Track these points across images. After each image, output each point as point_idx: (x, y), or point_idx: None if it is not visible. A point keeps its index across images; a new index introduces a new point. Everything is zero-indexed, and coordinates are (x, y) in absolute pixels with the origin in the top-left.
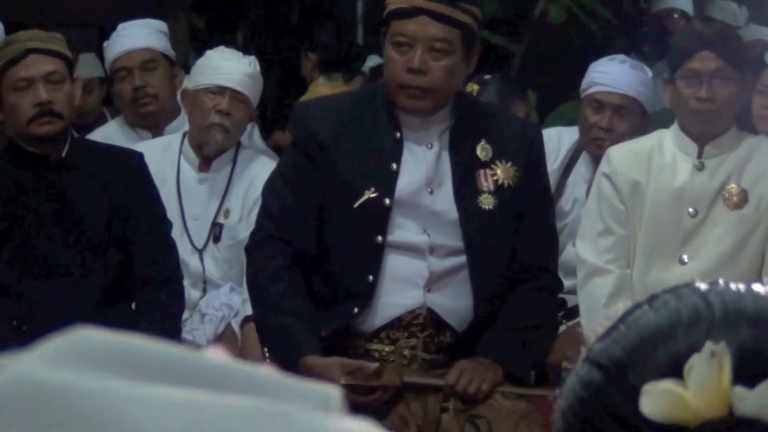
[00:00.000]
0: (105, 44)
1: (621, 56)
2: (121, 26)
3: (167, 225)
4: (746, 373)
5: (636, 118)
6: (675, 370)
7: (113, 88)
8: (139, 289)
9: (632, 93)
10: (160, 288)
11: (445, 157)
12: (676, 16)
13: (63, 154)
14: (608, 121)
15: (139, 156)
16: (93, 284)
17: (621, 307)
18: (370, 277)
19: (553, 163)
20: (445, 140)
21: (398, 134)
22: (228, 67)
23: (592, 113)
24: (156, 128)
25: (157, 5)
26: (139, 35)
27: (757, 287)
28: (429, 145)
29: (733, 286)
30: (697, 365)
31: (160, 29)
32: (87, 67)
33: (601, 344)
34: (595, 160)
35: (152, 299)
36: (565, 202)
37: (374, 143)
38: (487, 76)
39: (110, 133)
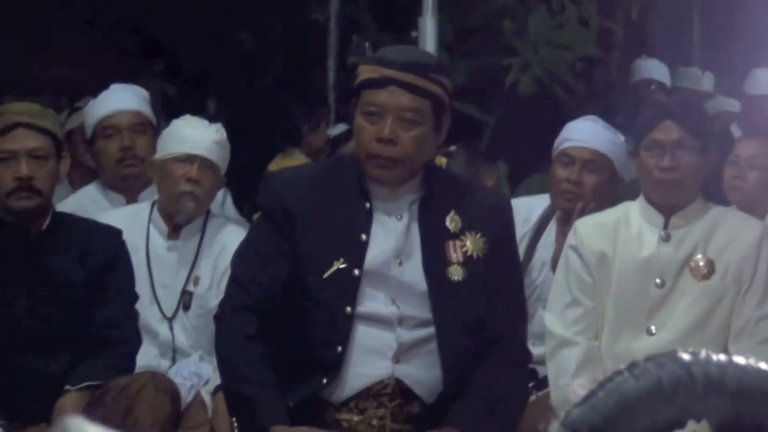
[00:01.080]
0: (91, 102)
1: (594, 117)
2: (113, 87)
3: (134, 312)
4: None
5: (605, 174)
6: None
7: (95, 146)
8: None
9: (602, 149)
10: (112, 346)
11: (415, 228)
12: (653, 87)
13: (43, 227)
14: (577, 174)
15: (118, 234)
16: (61, 354)
17: (590, 378)
18: (339, 348)
19: (523, 228)
20: (414, 211)
21: (368, 205)
22: (196, 135)
23: (562, 168)
24: (131, 192)
25: (129, 73)
26: (130, 97)
27: (738, 359)
28: (399, 216)
29: (715, 357)
30: None
31: (145, 96)
32: None
33: (578, 410)
34: (564, 219)
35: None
36: (534, 266)
37: (344, 214)
38: (453, 147)
39: (82, 199)
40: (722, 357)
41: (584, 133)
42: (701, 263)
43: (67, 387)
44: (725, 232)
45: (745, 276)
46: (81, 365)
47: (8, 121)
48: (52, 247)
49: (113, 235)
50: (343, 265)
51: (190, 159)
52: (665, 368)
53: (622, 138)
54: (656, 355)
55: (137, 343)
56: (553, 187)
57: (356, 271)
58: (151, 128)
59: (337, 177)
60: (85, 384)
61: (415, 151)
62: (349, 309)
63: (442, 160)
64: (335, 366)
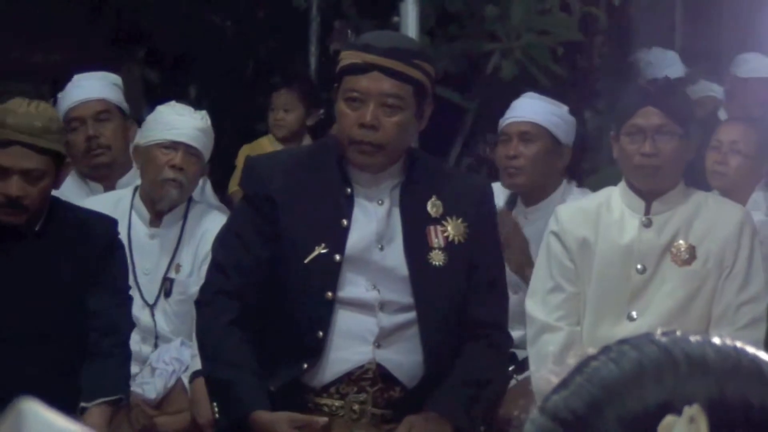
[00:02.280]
0: (59, 95)
1: (531, 93)
2: (76, 77)
3: (128, 300)
4: (717, 429)
5: (545, 143)
6: (645, 426)
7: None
8: (87, 359)
9: (537, 120)
10: (106, 357)
11: (396, 213)
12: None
13: (36, 228)
14: (514, 148)
15: (113, 223)
16: (48, 353)
17: (572, 362)
18: (320, 333)
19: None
20: (395, 196)
21: (349, 190)
22: (180, 122)
23: (501, 146)
24: (108, 181)
25: (110, 58)
26: (93, 86)
27: (714, 339)
28: (380, 201)
29: (692, 338)
30: (677, 430)
31: (114, 82)
32: None
33: (557, 396)
34: (519, 194)
35: (98, 367)
36: None
37: (325, 199)
38: None
39: (64, 189)
40: (698, 337)
41: (519, 108)
42: (682, 249)
43: (82, 404)
44: (707, 217)
45: (726, 261)
46: (90, 376)
47: (6, 136)
48: (45, 246)
49: (108, 224)
50: (324, 250)
51: (174, 146)
52: (643, 350)
53: (565, 109)
54: (629, 338)
55: (129, 330)
56: (499, 168)
57: (337, 256)
58: (120, 114)
59: (319, 162)
60: (101, 400)
61: (396, 136)
62: (330, 294)
63: None
64: (316, 351)
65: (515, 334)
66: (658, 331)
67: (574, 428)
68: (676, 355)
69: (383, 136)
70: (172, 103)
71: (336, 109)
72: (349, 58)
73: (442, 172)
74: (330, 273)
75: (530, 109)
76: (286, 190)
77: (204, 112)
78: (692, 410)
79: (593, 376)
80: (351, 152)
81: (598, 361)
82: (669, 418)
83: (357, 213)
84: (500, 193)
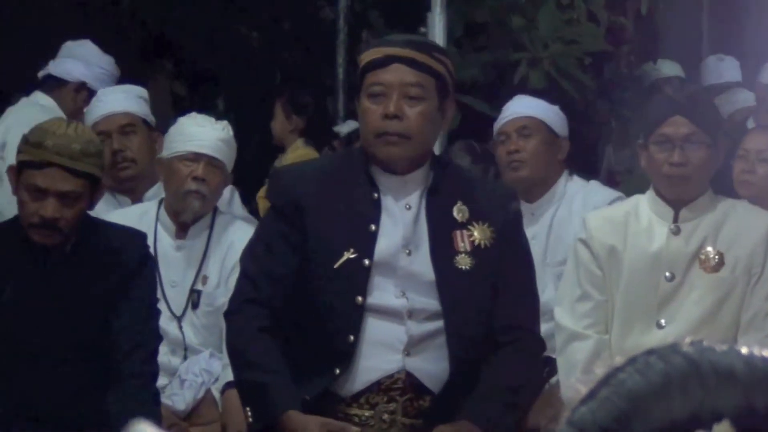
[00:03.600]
0: (85, 110)
1: (521, 94)
2: (100, 91)
3: (155, 313)
4: None
5: (543, 136)
6: None
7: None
8: (114, 379)
9: (531, 113)
10: (134, 377)
11: (423, 217)
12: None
13: (67, 249)
14: (514, 143)
15: (143, 238)
16: (79, 372)
17: (600, 372)
18: (351, 337)
19: None
20: (422, 201)
21: (376, 195)
22: (202, 134)
23: (501, 146)
24: (134, 194)
25: (138, 72)
26: (118, 100)
27: (741, 348)
28: (407, 206)
29: (717, 348)
30: None
31: (139, 95)
32: None
33: (584, 408)
34: (520, 190)
35: (126, 391)
36: None
37: (352, 204)
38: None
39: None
40: (724, 347)
41: (512, 106)
42: (711, 256)
43: None
44: (734, 224)
45: (755, 268)
46: (117, 400)
47: (44, 157)
48: (77, 266)
49: (138, 240)
50: (353, 255)
51: (196, 157)
52: (670, 361)
53: (556, 105)
54: (656, 348)
55: (156, 344)
56: (501, 167)
57: (366, 261)
58: (145, 126)
59: (345, 169)
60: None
61: (421, 127)
62: (360, 299)
63: None
64: (348, 355)
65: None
66: (686, 341)
67: None
68: (703, 366)
69: (408, 125)
70: (193, 114)
71: (359, 111)
72: (369, 55)
73: (468, 179)
74: (359, 278)
75: (524, 105)
76: (313, 197)
77: (225, 122)
78: (722, 428)
79: (620, 387)
80: (377, 146)
81: (625, 373)
82: None
83: (384, 218)
84: None
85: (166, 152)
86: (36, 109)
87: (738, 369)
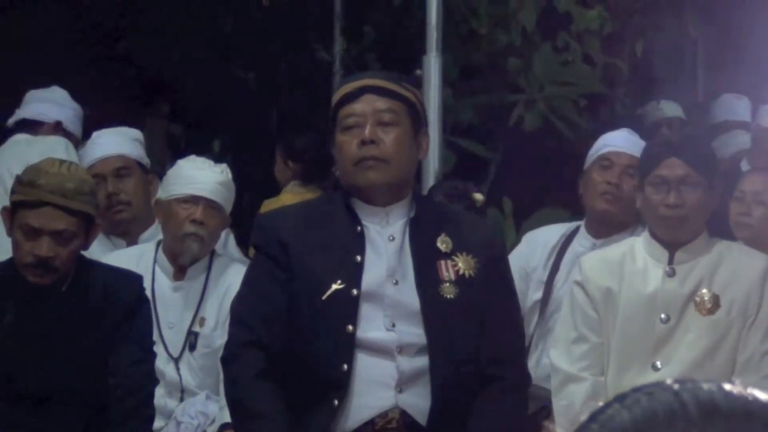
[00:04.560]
0: (80, 153)
1: (629, 129)
2: (95, 134)
3: (151, 356)
4: None
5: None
6: None
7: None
8: (110, 421)
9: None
10: (129, 420)
11: (407, 248)
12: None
13: (63, 289)
14: (618, 177)
15: (139, 280)
16: (72, 414)
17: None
18: (345, 366)
19: (545, 250)
20: (405, 232)
21: (359, 228)
22: (200, 177)
23: (601, 171)
24: (129, 236)
25: (134, 113)
26: (112, 143)
27: (727, 386)
28: (391, 237)
29: (704, 385)
30: None
31: (134, 137)
32: None
33: None
34: (602, 218)
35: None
36: (558, 280)
37: (336, 238)
38: (478, 197)
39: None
40: (710, 384)
41: (622, 140)
42: (706, 298)
43: None
44: (730, 266)
45: (750, 310)
46: None
47: (38, 197)
48: (72, 307)
49: (134, 282)
50: (340, 286)
51: (194, 200)
52: (656, 397)
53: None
54: (644, 385)
55: (152, 387)
56: (590, 190)
57: (354, 291)
58: (140, 169)
59: (327, 208)
60: None
61: (397, 150)
62: (350, 328)
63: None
64: (344, 385)
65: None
66: (671, 379)
67: None
68: (686, 400)
69: (384, 150)
70: (192, 157)
71: (335, 148)
72: (341, 91)
73: (450, 212)
74: (348, 307)
75: (633, 144)
76: (297, 235)
77: (224, 165)
78: None
79: (607, 423)
80: (357, 174)
81: (612, 409)
82: None
83: (369, 249)
84: (554, 232)
85: (164, 194)
86: (23, 145)
87: (720, 403)
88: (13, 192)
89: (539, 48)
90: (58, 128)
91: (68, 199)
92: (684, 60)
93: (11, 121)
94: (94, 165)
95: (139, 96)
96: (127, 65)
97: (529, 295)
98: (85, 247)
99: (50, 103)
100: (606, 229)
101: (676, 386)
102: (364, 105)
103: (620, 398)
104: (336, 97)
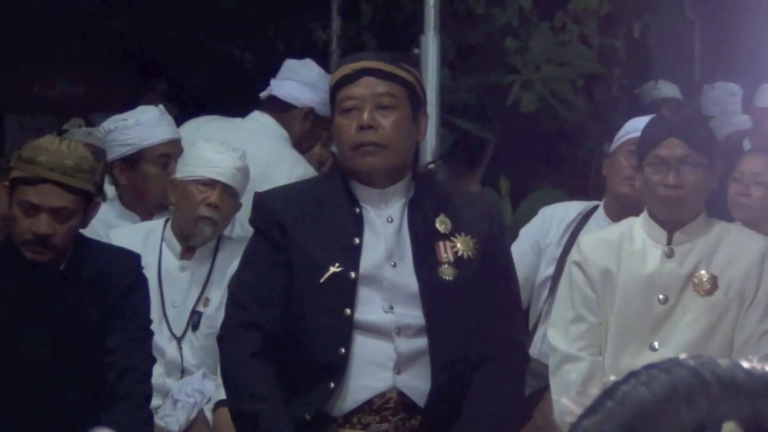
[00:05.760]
0: (132, 120)
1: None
2: (160, 110)
3: (149, 335)
4: None
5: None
6: None
7: (140, 169)
8: (107, 402)
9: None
10: (126, 399)
11: (405, 230)
12: (673, 104)
13: (61, 267)
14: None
15: (137, 259)
16: (70, 393)
17: (595, 391)
18: (342, 350)
19: (560, 227)
20: (404, 213)
21: (357, 210)
22: (219, 161)
23: (628, 155)
24: (151, 216)
25: (131, 92)
26: (173, 127)
27: (745, 363)
28: (389, 219)
29: (720, 361)
30: None
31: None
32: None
33: (588, 421)
34: (623, 202)
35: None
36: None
37: (335, 220)
38: (431, 165)
39: (109, 214)
40: (727, 360)
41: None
42: (704, 279)
43: None
44: (728, 247)
45: (748, 291)
46: (110, 422)
47: (37, 173)
48: (70, 286)
49: (132, 261)
50: (338, 269)
51: (211, 184)
52: (673, 374)
53: None
54: (658, 362)
55: (149, 366)
56: (615, 173)
57: (352, 274)
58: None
59: (325, 188)
60: None
61: (396, 135)
62: (348, 311)
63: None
64: (341, 369)
65: None
66: (684, 356)
67: None
68: (706, 377)
69: (383, 135)
70: (212, 140)
71: (333, 129)
72: (340, 72)
73: (449, 192)
74: (346, 291)
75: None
76: (296, 216)
77: (243, 151)
78: (730, 426)
79: (624, 399)
80: (355, 158)
81: (628, 385)
82: None
83: (367, 231)
84: (570, 209)
85: (180, 174)
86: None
87: (741, 379)
88: (12, 169)
89: (536, 28)
90: (308, 117)
91: (67, 176)
92: (681, 41)
93: (264, 94)
94: (166, 144)
95: (135, 75)
96: (124, 44)
97: (541, 269)
98: (84, 225)
99: (305, 85)
100: (626, 212)
101: (692, 362)
102: (362, 88)
103: (634, 375)
104: (334, 78)
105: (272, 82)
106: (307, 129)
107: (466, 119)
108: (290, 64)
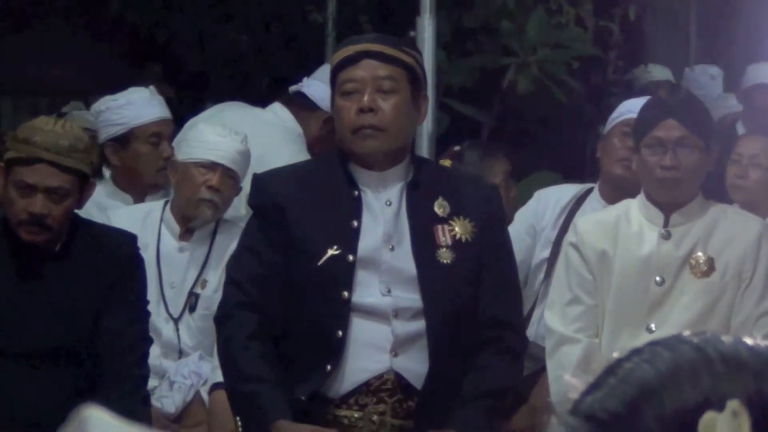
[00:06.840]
0: (123, 100)
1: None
2: (150, 91)
3: (145, 316)
4: (758, 428)
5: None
6: (685, 424)
7: (131, 149)
8: (104, 383)
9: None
10: (123, 381)
11: (404, 213)
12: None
13: (57, 248)
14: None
15: (132, 239)
16: (66, 374)
17: (597, 368)
18: (340, 333)
19: (555, 209)
20: (403, 196)
21: (356, 192)
22: (221, 144)
23: (622, 137)
24: (143, 196)
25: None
26: (164, 106)
27: (748, 340)
28: (388, 202)
29: (723, 337)
30: (720, 425)
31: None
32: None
33: (591, 398)
34: (617, 183)
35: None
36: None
37: (333, 202)
38: (457, 147)
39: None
40: (730, 337)
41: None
42: (701, 261)
43: None
44: (725, 229)
45: (745, 273)
46: (107, 405)
47: (32, 153)
48: (66, 266)
49: (128, 241)
50: (336, 252)
51: (212, 166)
52: (677, 350)
53: None
54: (661, 339)
55: (145, 347)
56: (609, 155)
57: (350, 257)
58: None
59: (324, 169)
60: None
61: (396, 118)
62: (345, 294)
63: (446, 163)
64: (338, 351)
65: None
66: (687, 332)
67: (611, 427)
68: (710, 353)
69: (383, 118)
70: (214, 123)
71: (333, 111)
72: (341, 54)
73: (448, 175)
74: (344, 273)
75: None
76: (294, 198)
77: (244, 135)
78: (734, 404)
79: (628, 376)
80: (354, 141)
81: (631, 362)
82: (710, 414)
83: (365, 214)
84: (565, 191)
85: (181, 156)
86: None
87: (744, 356)
88: (7, 149)
89: (532, 10)
90: (328, 123)
91: (63, 156)
92: (676, 24)
93: (293, 89)
94: (156, 122)
95: (131, 57)
96: (120, 26)
97: (537, 252)
98: (80, 206)
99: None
100: (620, 194)
101: (695, 339)
102: (363, 71)
103: (637, 352)
104: (335, 59)
105: (305, 79)
106: (323, 134)
107: (462, 102)
108: (328, 68)
